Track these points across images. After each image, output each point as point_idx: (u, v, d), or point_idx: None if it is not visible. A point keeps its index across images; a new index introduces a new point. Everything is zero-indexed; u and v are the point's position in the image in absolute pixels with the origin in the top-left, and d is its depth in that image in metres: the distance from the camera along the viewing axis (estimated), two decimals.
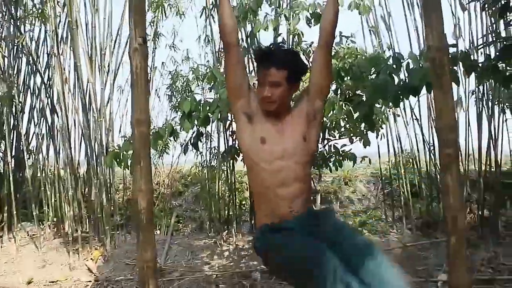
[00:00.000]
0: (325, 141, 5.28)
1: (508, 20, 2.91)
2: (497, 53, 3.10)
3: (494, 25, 3.77)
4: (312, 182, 2.07)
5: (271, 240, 1.85)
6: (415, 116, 5.50)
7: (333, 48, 4.66)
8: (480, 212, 5.16)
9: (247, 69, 2.09)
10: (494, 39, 3.47)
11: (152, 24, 6.71)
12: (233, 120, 3.35)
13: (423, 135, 5.45)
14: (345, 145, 5.43)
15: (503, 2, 2.54)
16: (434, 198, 5.77)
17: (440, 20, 1.85)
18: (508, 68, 2.75)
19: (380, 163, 6.58)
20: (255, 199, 2.06)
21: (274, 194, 1.88)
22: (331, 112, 4.30)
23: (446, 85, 1.83)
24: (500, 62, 2.70)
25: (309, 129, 1.92)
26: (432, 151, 5.47)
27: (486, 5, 3.07)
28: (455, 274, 1.85)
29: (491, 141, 4.94)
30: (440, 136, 1.86)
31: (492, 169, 5.06)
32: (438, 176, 5.39)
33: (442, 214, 5.48)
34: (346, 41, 4.96)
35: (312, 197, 1.99)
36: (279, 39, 5.21)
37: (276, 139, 1.90)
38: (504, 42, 2.92)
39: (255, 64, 2.03)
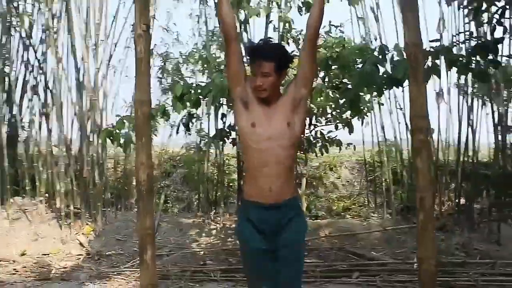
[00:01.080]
0: (312, 127, 5.52)
1: (481, 20, 3.13)
2: (469, 50, 3.35)
3: (468, 25, 4.02)
4: (296, 165, 2.31)
5: (240, 228, 2.23)
6: (399, 105, 5.70)
7: (321, 37, 4.93)
8: (457, 200, 5.45)
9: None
10: (466, 38, 3.71)
11: None
12: (232, 104, 3.56)
13: (406, 124, 5.66)
14: (331, 131, 5.69)
15: (475, 5, 2.76)
16: (414, 185, 6.04)
17: (416, 18, 2.06)
18: (482, 63, 2.98)
19: (364, 151, 6.81)
20: (245, 175, 2.36)
21: (259, 172, 2.11)
22: (319, 99, 4.53)
23: (419, 78, 2.05)
24: (473, 58, 2.93)
25: (294, 115, 2.13)
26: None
27: (461, 5, 3.29)
28: (422, 247, 2.10)
29: (469, 132, 5.20)
30: (412, 123, 2.08)
31: (470, 160, 5.33)
32: None
33: None
34: (335, 30, 5.19)
35: (296, 180, 2.22)
36: (270, 26, 5.41)
37: (264, 124, 2.11)
38: (478, 41, 3.16)
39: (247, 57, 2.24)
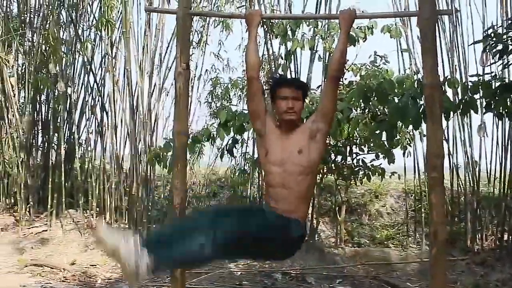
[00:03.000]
0: (353, 155, 5.66)
1: (505, 62, 3.23)
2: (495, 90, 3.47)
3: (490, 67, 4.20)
4: (311, 192, 2.48)
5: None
6: (444, 136, 5.71)
7: (361, 68, 5.10)
8: (500, 235, 5.38)
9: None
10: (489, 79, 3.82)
11: (199, 32, 7.23)
12: None
13: (450, 155, 5.68)
14: (374, 159, 5.79)
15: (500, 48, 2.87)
16: (460, 218, 6.00)
17: (434, 61, 2.22)
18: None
19: (405, 180, 6.84)
20: None
21: (270, 192, 2.36)
22: (357, 129, 4.68)
23: (436, 118, 2.19)
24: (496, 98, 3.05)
25: (309, 144, 2.32)
26: (456, 172, 5.71)
27: (487, 48, 3.40)
28: (434, 281, 2.21)
29: None
30: (428, 161, 2.23)
31: None
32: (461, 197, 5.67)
33: (464, 233, 5.73)
34: (381, 60, 5.33)
35: (306, 203, 2.33)
36: (316, 56, 5.64)
37: (276, 151, 2.34)
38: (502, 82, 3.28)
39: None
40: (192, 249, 2.02)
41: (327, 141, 5.27)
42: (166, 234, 2.16)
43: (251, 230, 2.14)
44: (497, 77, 4.10)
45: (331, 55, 2.45)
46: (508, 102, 3.50)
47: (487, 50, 3.59)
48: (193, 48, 6.76)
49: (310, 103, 4.55)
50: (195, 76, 7.26)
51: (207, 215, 2.21)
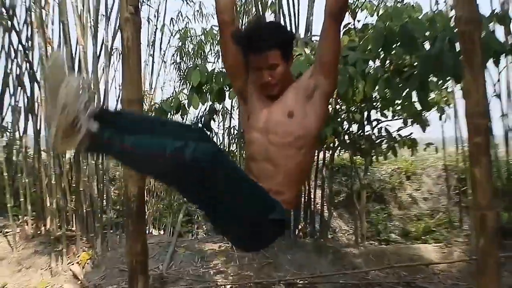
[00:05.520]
0: (373, 123, 5.66)
1: None
2: None
3: None
4: (305, 173, 2.45)
5: None
6: (496, 91, 5.64)
7: (379, 6, 5.06)
8: None
9: None
10: None
11: None
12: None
13: (502, 116, 5.64)
14: (401, 127, 5.80)
15: None
16: None
17: None
18: None
19: (455, 152, 6.87)
20: None
21: (251, 168, 2.36)
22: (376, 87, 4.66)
23: (476, 65, 2.18)
24: None
25: (303, 106, 2.29)
26: None
27: None
28: (483, 284, 2.21)
29: None
30: (468, 123, 2.21)
31: None
32: None
33: None
34: None
35: (297, 186, 2.28)
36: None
37: (260, 114, 2.34)
38: None
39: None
40: (151, 148, 1.91)
41: (338, 106, 5.27)
42: (128, 118, 2.10)
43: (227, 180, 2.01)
44: None
45: None
46: None
47: None
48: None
49: (312, 53, 4.51)
50: (156, 28, 7.20)
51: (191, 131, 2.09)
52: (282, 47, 2.29)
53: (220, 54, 6.53)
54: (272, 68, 2.27)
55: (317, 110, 2.31)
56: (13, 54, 6.31)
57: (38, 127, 6.06)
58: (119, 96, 6.78)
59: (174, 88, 7.67)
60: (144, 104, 6.31)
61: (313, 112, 2.30)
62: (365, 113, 5.48)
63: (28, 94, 6.20)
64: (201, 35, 6.89)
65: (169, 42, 7.74)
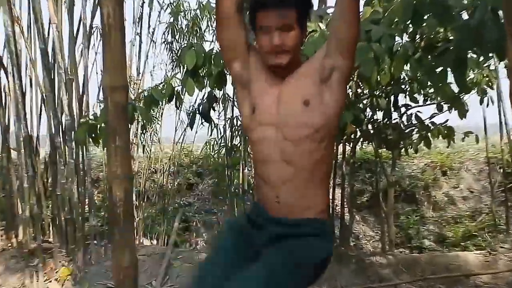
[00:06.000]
0: (401, 109, 5.62)
1: None
2: None
3: None
4: (327, 170, 2.33)
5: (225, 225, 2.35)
6: None
7: None
8: None
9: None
10: None
11: None
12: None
13: None
14: (434, 114, 5.76)
15: None
16: None
17: None
18: None
19: (499, 143, 6.84)
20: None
21: (259, 172, 2.30)
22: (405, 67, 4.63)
23: None
24: None
25: (318, 92, 2.21)
26: None
27: None
28: None
29: None
30: None
31: None
32: None
33: None
34: None
35: (324, 188, 2.21)
36: None
37: (268, 104, 2.25)
38: None
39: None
40: None
41: (359, 90, 5.24)
42: None
43: None
44: None
45: None
46: None
47: None
48: None
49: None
50: (143, 1, 7.16)
51: None
52: (300, 9, 2.21)
53: (215, 28, 6.54)
54: (285, 30, 2.18)
55: (335, 95, 2.23)
56: None
57: (7, 121, 6.02)
58: (101, 85, 6.75)
59: (166, 72, 7.60)
60: (130, 91, 6.29)
61: (331, 97, 2.22)
62: (392, 98, 5.43)
63: None
64: (197, 9, 6.81)
65: (158, 17, 7.67)
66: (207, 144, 7.79)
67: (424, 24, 4.29)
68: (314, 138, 2.21)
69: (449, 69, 4.23)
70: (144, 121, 5.93)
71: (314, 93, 2.21)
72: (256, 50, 2.35)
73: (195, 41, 6.63)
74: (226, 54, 2.41)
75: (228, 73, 4.70)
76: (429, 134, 5.65)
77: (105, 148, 4.62)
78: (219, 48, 4.74)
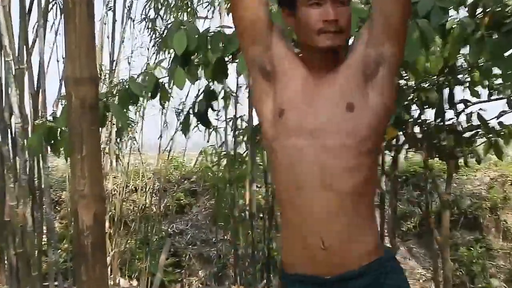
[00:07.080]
0: (461, 106, 5.64)
1: None
2: None
3: None
4: (374, 190, 2.26)
5: None
6: None
7: None
8: None
9: None
10: None
11: None
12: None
13: None
14: (503, 112, 5.77)
15: None
16: None
17: None
18: None
19: None
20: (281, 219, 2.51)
21: (291, 205, 2.21)
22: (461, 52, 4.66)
23: None
24: None
25: (362, 93, 2.16)
26: None
27: None
28: None
29: None
30: None
31: None
32: None
33: None
34: None
35: (374, 216, 2.12)
36: None
37: (302, 108, 2.19)
38: None
39: None
40: None
41: (402, 81, 5.28)
42: None
43: None
44: None
45: None
46: None
47: None
48: None
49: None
50: None
51: None
52: None
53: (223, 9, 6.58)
54: (343, 3, 2.17)
55: (383, 95, 2.19)
56: None
57: None
58: (62, 78, 6.79)
59: (148, 59, 7.66)
60: (101, 84, 6.30)
61: (378, 99, 2.18)
62: (446, 91, 5.45)
63: None
64: None
65: None
66: (203, 153, 7.83)
67: None
68: (361, 152, 2.15)
69: None
70: (120, 124, 5.95)
71: (359, 94, 2.17)
72: (281, 32, 2.33)
73: (186, 18, 6.66)
74: (243, 37, 2.35)
75: (232, 60, 4.73)
76: (497, 139, 5.63)
77: (68, 160, 4.68)
78: (219, 28, 4.81)
